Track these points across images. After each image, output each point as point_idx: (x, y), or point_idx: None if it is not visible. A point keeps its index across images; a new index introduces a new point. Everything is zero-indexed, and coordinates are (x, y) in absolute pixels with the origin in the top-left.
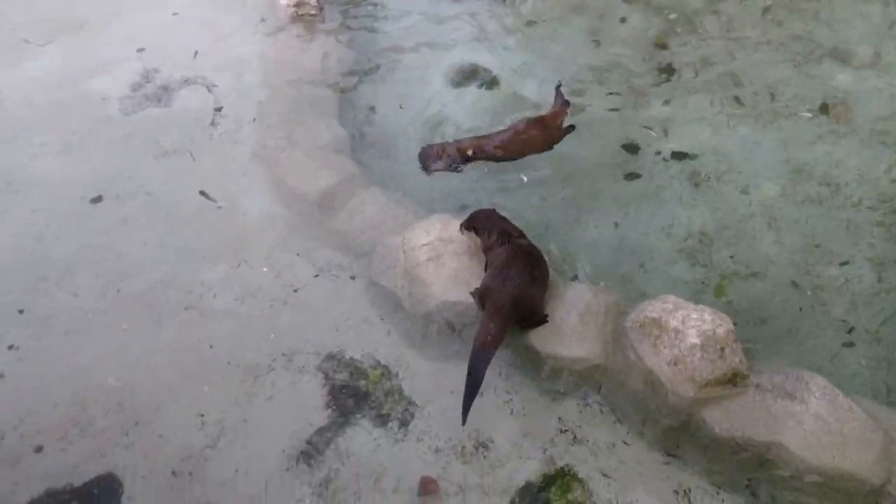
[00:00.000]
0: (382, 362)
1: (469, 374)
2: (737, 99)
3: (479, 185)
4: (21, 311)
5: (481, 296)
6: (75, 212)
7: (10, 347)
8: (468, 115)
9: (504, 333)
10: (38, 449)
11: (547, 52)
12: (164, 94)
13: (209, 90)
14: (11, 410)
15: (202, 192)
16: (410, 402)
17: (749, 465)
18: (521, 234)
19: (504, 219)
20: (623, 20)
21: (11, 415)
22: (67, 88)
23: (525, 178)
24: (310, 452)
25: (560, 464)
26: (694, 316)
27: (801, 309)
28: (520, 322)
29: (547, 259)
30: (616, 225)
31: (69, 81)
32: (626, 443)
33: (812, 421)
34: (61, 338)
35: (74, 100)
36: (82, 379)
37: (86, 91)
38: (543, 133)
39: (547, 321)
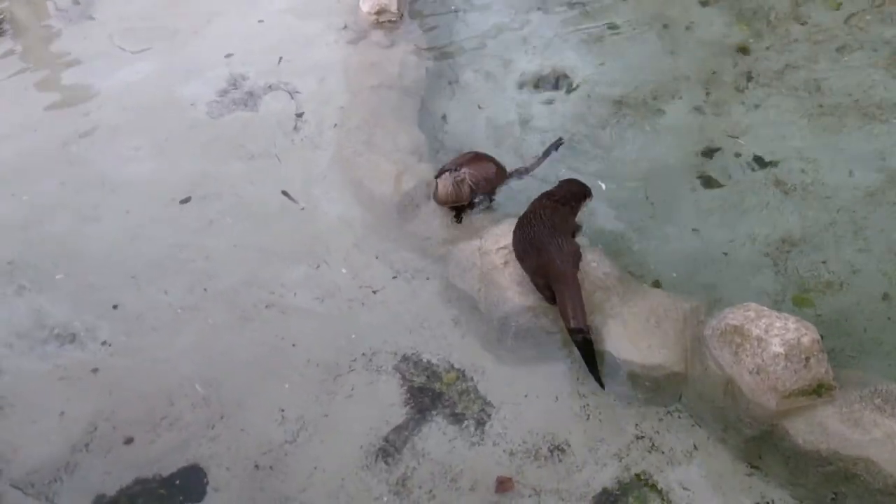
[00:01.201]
0: (457, 365)
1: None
2: (821, 105)
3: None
4: (115, 307)
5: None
6: (165, 212)
7: (104, 343)
8: (544, 120)
9: (580, 294)
10: (129, 440)
11: (625, 56)
12: (249, 99)
13: (292, 96)
14: (104, 403)
15: (284, 192)
16: (486, 404)
17: (834, 478)
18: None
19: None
20: (703, 25)
21: (104, 407)
22: (159, 94)
23: (604, 186)
24: (387, 450)
25: (636, 471)
26: (777, 324)
27: (889, 319)
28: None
29: (624, 264)
30: (696, 231)
31: (161, 87)
32: (705, 452)
33: None
34: (151, 334)
35: (166, 105)
36: (170, 374)
37: (177, 96)
38: None
39: None
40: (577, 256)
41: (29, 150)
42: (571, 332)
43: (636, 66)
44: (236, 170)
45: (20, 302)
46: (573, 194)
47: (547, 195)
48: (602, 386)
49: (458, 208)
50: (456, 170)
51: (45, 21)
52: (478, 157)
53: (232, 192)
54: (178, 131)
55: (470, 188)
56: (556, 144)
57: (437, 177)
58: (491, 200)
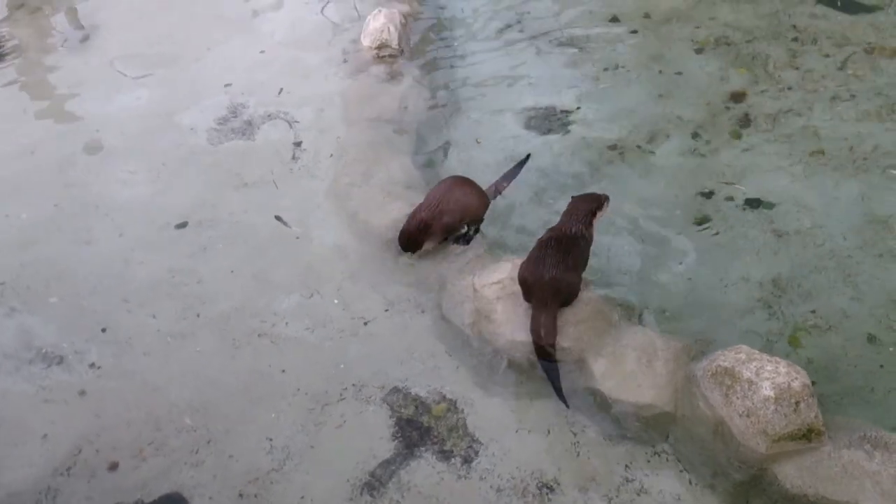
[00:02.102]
0: (448, 397)
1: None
2: (815, 152)
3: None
4: (104, 330)
5: (520, 284)
6: (159, 237)
7: (92, 366)
8: (541, 156)
9: (555, 320)
10: (113, 465)
11: (622, 97)
12: (248, 128)
13: (290, 125)
14: (90, 426)
15: (277, 217)
16: (474, 440)
17: None
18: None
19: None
20: (698, 70)
21: (90, 430)
22: (158, 120)
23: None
24: (373, 483)
25: None
26: (768, 367)
27: (881, 366)
28: (562, 305)
29: (616, 302)
30: (687, 271)
31: (160, 113)
32: (693, 495)
33: (891, 482)
34: (140, 358)
35: (164, 131)
36: (158, 399)
37: (175, 123)
38: None
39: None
40: (569, 289)
41: (25, 171)
42: (539, 348)
43: (632, 108)
44: (232, 197)
45: (10, 323)
46: (586, 212)
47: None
48: (566, 406)
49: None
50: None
51: (47, 44)
52: (456, 187)
53: (227, 218)
54: (175, 157)
55: (438, 232)
56: (524, 161)
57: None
58: (476, 231)
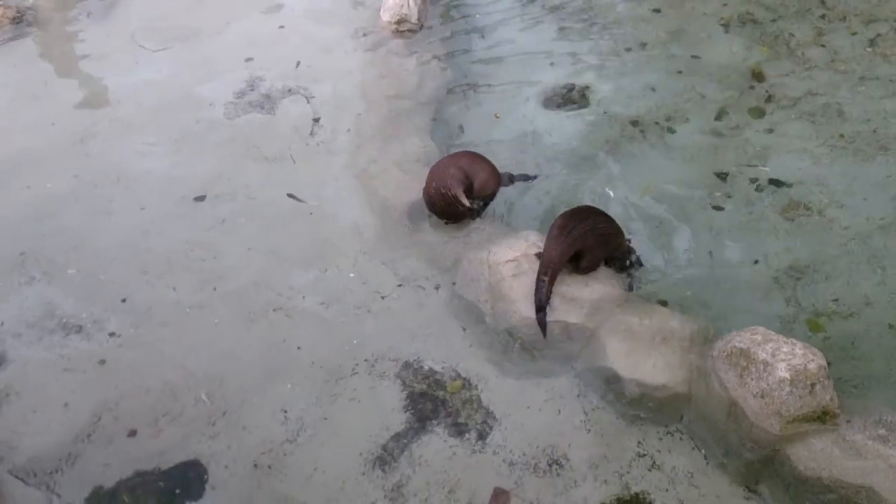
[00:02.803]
0: (462, 374)
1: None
2: (839, 132)
3: (559, 199)
4: (124, 300)
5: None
6: (178, 210)
7: (112, 334)
8: (559, 134)
9: (551, 284)
10: (131, 433)
11: (643, 76)
12: (266, 102)
13: (308, 100)
14: (109, 394)
15: (290, 195)
16: (488, 414)
17: None
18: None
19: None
20: (723, 47)
21: (109, 398)
22: (177, 92)
23: (612, 194)
24: (385, 458)
25: (636, 489)
26: (784, 349)
27: None
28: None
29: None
30: (707, 252)
31: (179, 86)
32: (706, 474)
33: None
34: (158, 328)
35: (183, 103)
36: (175, 369)
37: (194, 96)
38: None
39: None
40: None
41: (46, 143)
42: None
43: (654, 85)
44: (250, 171)
45: (30, 292)
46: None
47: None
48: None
49: (453, 216)
50: (447, 188)
51: (69, 17)
52: (471, 159)
53: (245, 192)
54: (194, 130)
55: (461, 199)
56: (532, 177)
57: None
58: (485, 205)
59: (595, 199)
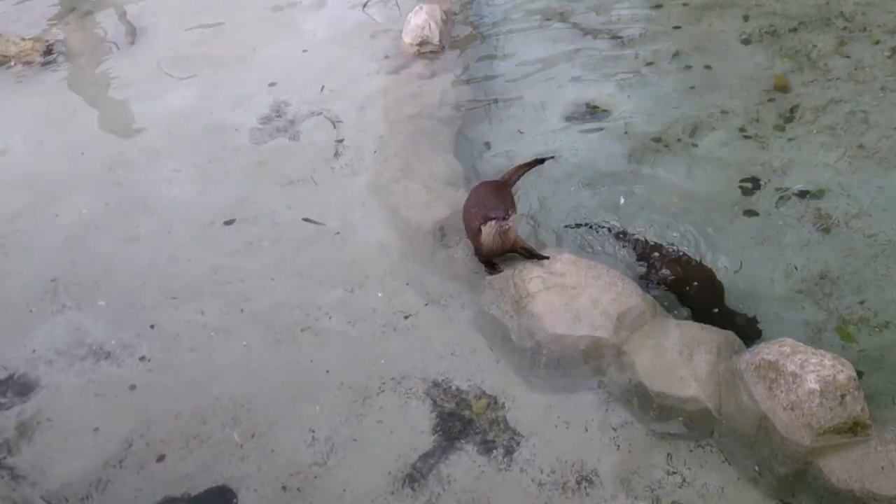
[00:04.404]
0: (488, 392)
1: None
2: (863, 142)
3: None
4: (153, 327)
5: None
6: (205, 235)
7: (142, 359)
8: (582, 149)
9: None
10: (161, 458)
11: (664, 90)
12: (291, 127)
13: (333, 124)
14: (140, 419)
15: (306, 219)
16: (515, 433)
17: None
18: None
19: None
20: (744, 61)
21: (140, 423)
22: (203, 119)
23: (623, 200)
24: (414, 476)
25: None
26: (813, 360)
27: None
28: None
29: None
30: (739, 264)
31: (205, 113)
32: (737, 488)
33: None
34: (187, 353)
35: (209, 130)
36: (204, 393)
37: (220, 122)
38: None
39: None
40: None
41: (76, 171)
42: None
43: (675, 100)
44: (276, 195)
45: (61, 319)
46: None
47: None
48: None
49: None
50: (504, 218)
51: (96, 47)
52: (499, 191)
53: (270, 216)
54: (220, 156)
55: (515, 235)
56: (542, 160)
57: (481, 223)
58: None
59: (614, 210)
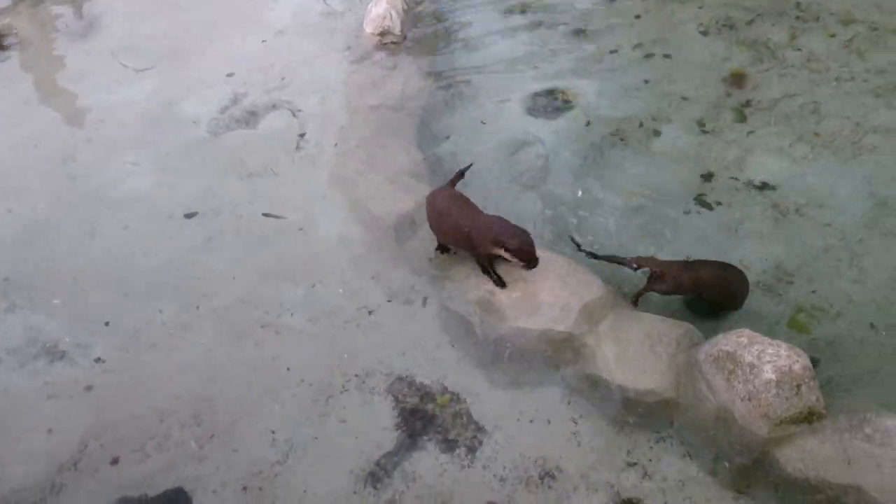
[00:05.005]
0: (451, 387)
1: None
2: (818, 132)
3: (547, 211)
4: (107, 324)
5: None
6: (163, 229)
7: (98, 360)
8: (544, 140)
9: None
10: (115, 460)
11: (625, 80)
12: (251, 118)
13: (294, 114)
14: (96, 421)
15: (266, 214)
16: (479, 428)
17: None
18: None
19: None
20: (702, 50)
21: (96, 425)
22: (160, 111)
23: (580, 193)
24: (377, 474)
25: (627, 496)
26: (770, 351)
27: (883, 347)
28: None
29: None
30: (689, 257)
31: (162, 104)
32: (696, 480)
33: (892, 465)
34: (145, 351)
35: (167, 122)
36: (162, 392)
37: (178, 113)
38: None
39: None
40: None
41: (28, 164)
42: None
43: (636, 90)
44: (236, 187)
45: (13, 318)
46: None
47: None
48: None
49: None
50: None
51: (50, 37)
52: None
53: (231, 209)
54: (178, 148)
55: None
56: (466, 168)
57: (503, 244)
58: None
59: (574, 202)
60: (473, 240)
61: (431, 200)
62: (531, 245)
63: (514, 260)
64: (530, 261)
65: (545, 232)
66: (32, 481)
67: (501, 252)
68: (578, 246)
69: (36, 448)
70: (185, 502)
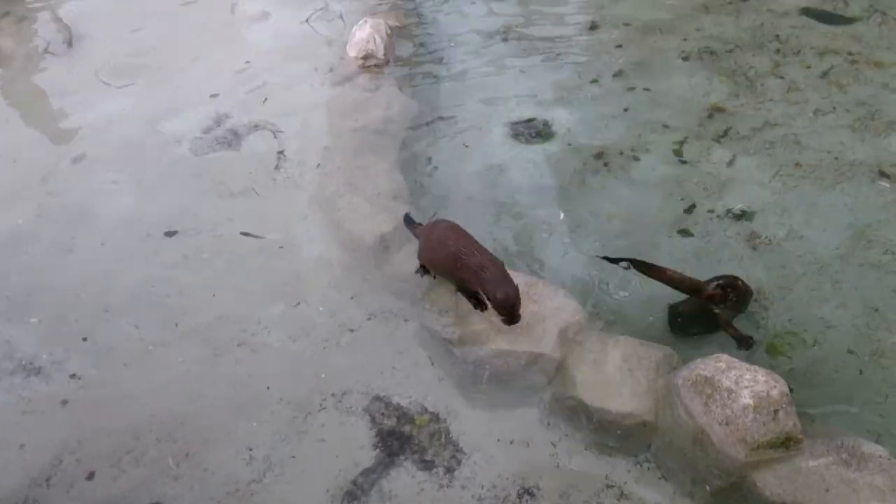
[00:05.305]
0: (430, 408)
1: None
2: (797, 162)
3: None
4: (84, 339)
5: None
6: (142, 247)
7: (73, 376)
8: (525, 166)
9: None
10: (91, 476)
11: (607, 108)
12: (233, 138)
13: (275, 136)
14: (70, 436)
15: (244, 233)
16: (457, 449)
17: None
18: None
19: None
20: (683, 79)
21: (70, 440)
22: (142, 129)
23: (562, 215)
24: (354, 493)
25: None
26: (747, 376)
27: (861, 373)
28: None
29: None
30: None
31: (144, 123)
32: (674, 502)
33: (867, 490)
34: (121, 368)
35: (148, 140)
36: (138, 408)
37: (159, 132)
38: None
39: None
40: None
41: (7, 180)
42: None
43: (617, 117)
44: (216, 207)
45: None
46: None
47: None
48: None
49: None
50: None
51: (31, 54)
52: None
53: (210, 229)
54: (158, 167)
55: None
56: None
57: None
58: None
59: (554, 226)
60: (463, 273)
61: (430, 229)
62: (513, 303)
63: (495, 311)
64: (510, 317)
65: (525, 253)
66: (4, 496)
67: (484, 298)
68: (616, 261)
69: (9, 462)
70: None
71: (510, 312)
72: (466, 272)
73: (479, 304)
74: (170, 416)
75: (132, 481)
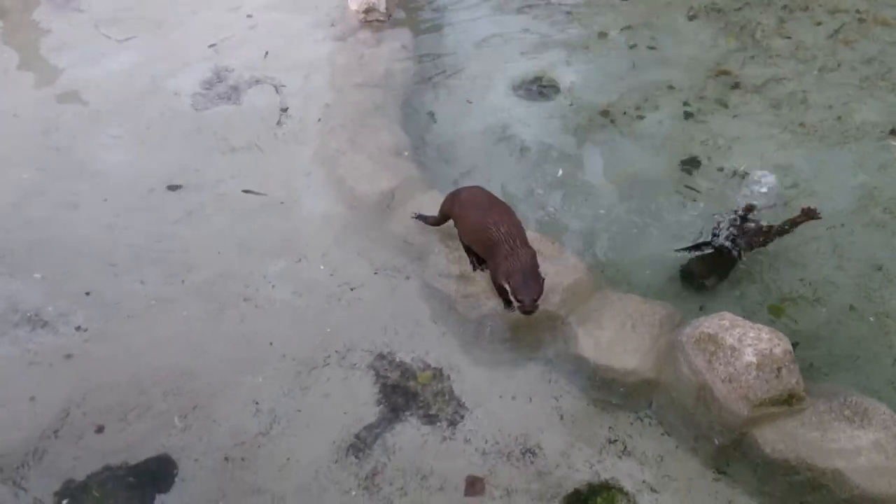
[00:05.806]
0: (433, 364)
1: None
2: (804, 121)
3: (527, 186)
4: (88, 294)
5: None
6: (145, 202)
7: (78, 329)
8: (529, 123)
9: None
10: (100, 428)
11: (612, 64)
12: (234, 93)
13: (277, 90)
14: (77, 389)
15: (246, 190)
16: (460, 405)
17: (802, 488)
18: None
19: None
20: (690, 36)
21: (77, 393)
22: (143, 83)
23: (560, 172)
24: (358, 446)
25: (607, 475)
26: (751, 334)
27: (863, 333)
28: None
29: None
30: (676, 239)
31: (145, 77)
32: (676, 458)
33: (870, 447)
34: (126, 322)
35: (149, 94)
36: (143, 362)
37: (160, 86)
38: None
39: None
40: None
41: (9, 135)
42: None
43: (622, 74)
44: (218, 162)
45: None
46: None
47: None
48: None
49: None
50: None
51: (29, 5)
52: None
53: (213, 184)
54: (160, 121)
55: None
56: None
57: (509, 282)
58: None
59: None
60: (492, 250)
61: (472, 193)
62: (533, 296)
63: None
64: (527, 308)
65: (530, 211)
66: (14, 447)
67: (506, 285)
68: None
69: (19, 414)
70: (170, 469)
71: (528, 302)
72: (496, 254)
73: (476, 265)
74: (175, 370)
75: (139, 433)
